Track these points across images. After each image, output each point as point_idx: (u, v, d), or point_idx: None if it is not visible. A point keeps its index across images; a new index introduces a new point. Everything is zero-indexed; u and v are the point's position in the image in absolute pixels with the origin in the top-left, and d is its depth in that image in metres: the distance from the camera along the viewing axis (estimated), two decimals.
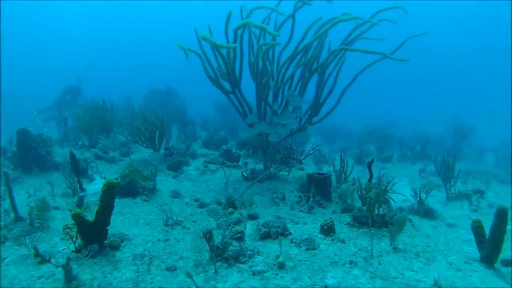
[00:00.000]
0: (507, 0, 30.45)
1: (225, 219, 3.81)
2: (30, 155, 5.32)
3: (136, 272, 2.73)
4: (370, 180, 4.60)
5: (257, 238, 3.43)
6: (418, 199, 4.89)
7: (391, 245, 3.40)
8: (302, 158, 6.29)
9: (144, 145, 6.33)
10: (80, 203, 4.05)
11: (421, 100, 31.69)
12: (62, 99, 12.01)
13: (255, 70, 5.32)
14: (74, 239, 2.91)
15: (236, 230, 3.28)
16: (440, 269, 3.02)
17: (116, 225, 3.53)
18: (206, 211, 4.20)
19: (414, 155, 9.99)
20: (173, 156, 6.22)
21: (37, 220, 3.38)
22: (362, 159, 8.76)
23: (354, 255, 3.16)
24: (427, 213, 4.73)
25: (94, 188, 4.75)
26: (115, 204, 3.00)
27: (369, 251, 3.20)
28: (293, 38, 5.36)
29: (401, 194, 5.40)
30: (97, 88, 12.11)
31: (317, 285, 2.65)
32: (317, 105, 5.64)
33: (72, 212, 2.77)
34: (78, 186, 4.48)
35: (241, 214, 3.98)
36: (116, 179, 4.68)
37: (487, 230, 3.32)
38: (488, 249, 3.27)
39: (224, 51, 5.11)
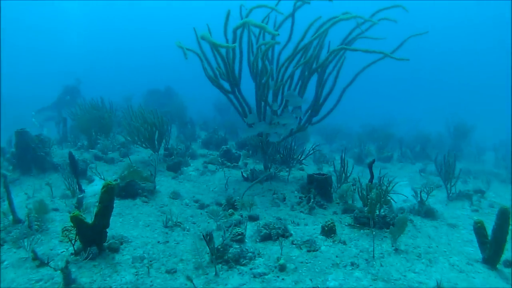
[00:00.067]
0: (507, 0, 30.43)
1: (225, 220, 3.78)
2: (29, 156, 5.29)
3: (136, 275, 2.70)
4: (371, 180, 4.58)
5: (257, 240, 3.40)
6: (419, 199, 4.86)
7: (392, 246, 3.38)
8: (302, 158, 6.27)
9: (144, 145, 6.30)
10: (79, 204, 4.02)
11: (421, 100, 31.73)
12: (61, 99, 11.98)
13: (255, 70, 5.29)
14: (73, 241, 2.88)
15: (237, 232, 3.25)
16: (443, 271, 2.99)
17: (116, 227, 3.50)
18: (206, 212, 4.17)
19: (414, 155, 9.97)
20: (173, 157, 6.19)
21: (35, 222, 3.35)
22: (362, 159, 8.74)
23: (356, 256, 3.14)
24: (428, 214, 4.71)
25: (93, 189, 4.72)
26: (114, 205, 2.97)
27: (371, 253, 3.18)
28: (293, 37, 5.34)
29: (402, 194, 5.38)
30: (97, 88, 12.11)
31: (318, 287, 2.62)
32: (317, 104, 5.61)
33: (71, 215, 2.74)
34: (77, 187, 4.44)
35: (242, 215, 3.96)
36: (115, 180, 4.65)
37: (488, 231, 3.30)
38: (491, 250, 3.24)
39: (223, 51, 5.08)
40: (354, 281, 2.73)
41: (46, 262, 2.72)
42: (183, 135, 9.10)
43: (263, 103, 5.47)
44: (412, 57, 4.54)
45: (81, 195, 4.16)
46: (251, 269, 2.85)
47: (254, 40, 5.51)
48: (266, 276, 2.75)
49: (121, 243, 3.15)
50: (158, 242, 3.29)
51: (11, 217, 3.48)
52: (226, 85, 5.46)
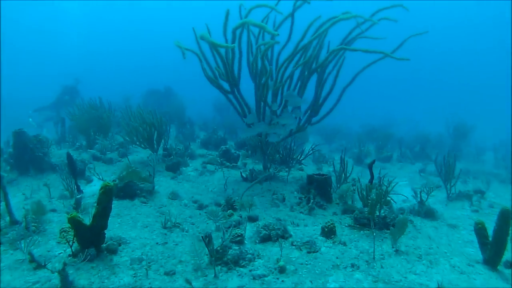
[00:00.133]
0: (507, 0, 30.45)
1: (224, 221, 3.75)
2: (27, 157, 5.26)
3: (134, 276, 2.67)
4: (371, 181, 4.56)
5: (257, 241, 3.38)
6: (419, 199, 4.84)
7: (393, 247, 3.35)
8: (301, 158, 6.24)
9: (142, 145, 6.27)
10: (77, 205, 3.99)
11: (420, 100, 31.75)
12: (60, 99, 11.96)
13: (254, 70, 5.27)
14: (70, 243, 2.85)
15: (236, 233, 3.23)
16: (443, 272, 2.97)
17: (114, 228, 3.47)
18: (205, 213, 4.15)
19: (414, 155, 9.95)
20: (172, 157, 6.16)
21: (33, 224, 3.32)
22: (361, 159, 8.72)
23: (356, 258, 3.11)
24: (428, 214, 4.69)
25: (91, 189, 4.69)
26: (112, 206, 2.94)
27: (371, 254, 3.15)
28: (292, 37, 5.32)
29: (402, 195, 5.36)
30: (96, 89, 12.07)
31: None
32: (316, 105, 5.59)
33: (69, 216, 2.71)
34: (75, 188, 4.42)
35: (241, 216, 3.93)
36: (113, 180, 4.62)
37: (488, 231, 3.28)
38: (491, 251, 3.22)
39: (222, 51, 5.05)
40: (355, 283, 2.71)
41: (43, 264, 2.69)
42: (182, 135, 9.08)
43: (262, 103, 5.45)
44: (412, 57, 4.52)
45: (79, 196, 4.13)
46: (250, 270, 2.82)
47: (253, 40, 5.49)
48: (265, 278, 2.73)
49: (120, 245, 3.12)
50: (157, 243, 3.26)
51: (8, 218, 3.45)
52: (226, 85, 5.44)
